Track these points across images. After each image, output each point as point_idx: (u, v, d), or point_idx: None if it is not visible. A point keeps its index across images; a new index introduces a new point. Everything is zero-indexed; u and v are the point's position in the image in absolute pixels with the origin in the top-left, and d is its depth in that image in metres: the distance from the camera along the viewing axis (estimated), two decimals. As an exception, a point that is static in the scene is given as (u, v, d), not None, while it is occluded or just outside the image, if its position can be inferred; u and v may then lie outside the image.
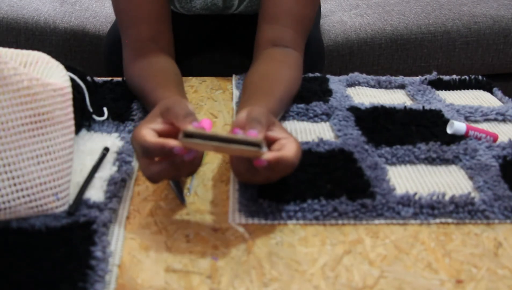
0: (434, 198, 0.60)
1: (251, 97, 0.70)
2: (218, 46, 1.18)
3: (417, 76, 0.96)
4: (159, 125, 0.57)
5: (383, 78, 0.92)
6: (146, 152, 0.54)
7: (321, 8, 1.47)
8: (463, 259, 0.53)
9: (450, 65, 1.53)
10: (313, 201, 0.59)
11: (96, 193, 0.59)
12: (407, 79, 0.93)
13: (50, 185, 0.55)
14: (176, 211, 0.59)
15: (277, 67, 0.78)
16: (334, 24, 1.49)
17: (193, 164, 0.55)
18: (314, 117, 0.79)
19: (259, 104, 0.66)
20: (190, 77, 0.93)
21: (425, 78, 0.93)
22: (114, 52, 1.00)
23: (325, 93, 0.85)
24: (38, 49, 0.65)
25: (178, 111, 0.56)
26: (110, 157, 0.66)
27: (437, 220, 0.58)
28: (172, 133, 0.57)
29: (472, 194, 0.62)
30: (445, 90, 0.91)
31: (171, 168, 0.54)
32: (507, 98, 0.87)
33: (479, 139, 0.73)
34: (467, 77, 0.94)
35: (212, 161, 0.68)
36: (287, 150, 0.55)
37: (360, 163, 0.66)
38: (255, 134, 0.54)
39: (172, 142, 0.53)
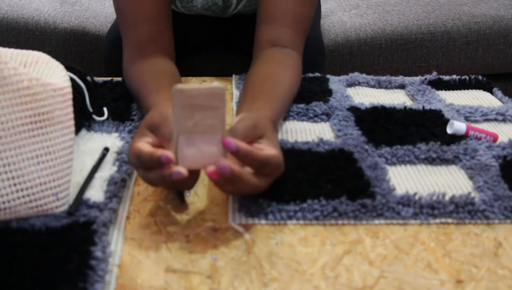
0: (434, 198, 0.60)
1: (255, 100, 0.70)
2: (218, 46, 1.18)
3: (417, 76, 0.96)
4: (152, 139, 0.58)
5: (383, 78, 0.92)
6: (139, 162, 0.55)
7: (321, 8, 1.47)
8: (463, 259, 0.53)
9: (450, 65, 1.53)
10: (313, 201, 0.59)
11: (96, 193, 0.59)
12: (407, 79, 0.93)
13: (50, 185, 0.55)
14: (176, 211, 0.59)
15: (277, 68, 0.78)
16: (334, 24, 1.49)
17: (188, 180, 0.56)
18: (314, 117, 0.79)
19: (263, 110, 0.66)
20: (190, 77, 0.93)
21: (425, 78, 0.93)
22: (114, 52, 1.00)
23: (325, 93, 0.85)
24: (38, 49, 0.65)
25: (164, 133, 0.57)
26: (110, 157, 0.66)
27: (437, 220, 0.58)
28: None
29: (472, 194, 0.62)
30: (445, 90, 0.91)
31: (162, 179, 0.54)
32: (507, 98, 0.87)
33: (479, 139, 0.73)
34: (467, 77, 0.94)
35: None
36: (264, 150, 0.55)
37: (360, 163, 0.66)
38: (229, 143, 0.53)
39: (159, 151, 0.54)
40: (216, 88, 0.52)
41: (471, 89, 0.92)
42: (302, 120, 0.79)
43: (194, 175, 0.56)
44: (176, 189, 0.61)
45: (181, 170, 0.53)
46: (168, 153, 0.53)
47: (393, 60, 1.49)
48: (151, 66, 0.80)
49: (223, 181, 0.54)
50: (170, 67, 0.81)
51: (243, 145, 0.53)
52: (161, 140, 0.58)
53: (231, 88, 0.90)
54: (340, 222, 0.58)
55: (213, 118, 0.53)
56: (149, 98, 0.71)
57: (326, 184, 0.62)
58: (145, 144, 0.56)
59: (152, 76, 0.77)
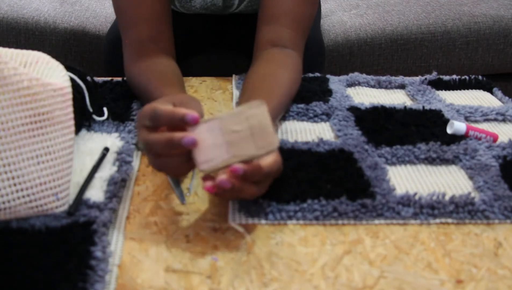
0: (434, 198, 0.60)
1: (253, 98, 0.70)
2: (218, 46, 1.18)
3: (417, 76, 0.96)
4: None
5: (383, 78, 0.92)
6: (154, 119, 0.53)
7: (321, 8, 1.47)
8: (463, 259, 0.53)
9: (450, 65, 1.53)
10: (313, 201, 0.59)
11: (96, 193, 0.59)
12: (407, 79, 0.93)
13: (50, 185, 0.55)
14: (176, 211, 0.59)
15: (277, 69, 0.78)
16: (334, 24, 1.49)
17: (183, 166, 0.55)
18: (314, 117, 0.79)
19: None
20: (190, 77, 0.93)
21: (425, 78, 0.93)
22: (114, 52, 1.00)
23: (325, 93, 0.85)
24: (38, 49, 0.65)
25: (190, 107, 0.56)
26: (110, 157, 0.66)
27: (437, 220, 0.58)
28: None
29: (472, 194, 0.62)
30: (445, 90, 0.91)
31: (167, 143, 0.52)
32: (507, 98, 0.87)
33: (479, 139, 0.73)
34: (467, 77, 0.94)
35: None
36: (262, 160, 0.55)
37: (360, 163, 0.66)
38: (237, 170, 0.53)
39: (183, 110, 0.52)
40: (275, 143, 0.52)
41: (471, 89, 0.92)
42: (302, 120, 0.79)
43: (191, 162, 0.55)
44: (176, 185, 0.61)
45: (195, 136, 0.51)
46: (195, 113, 0.51)
47: (393, 60, 1.49)
48: (155, 64, 0.80)
49: (222, 191, 0.53)
50: (173, 66, 0.81)
51: (248, 167, 0.53)
52: None
53: (231, 88, 0.90)
54: (340, 222, 0.58)
55: (246, 149, 0.52)
56: (161, 91, 0.71)
57: (326, 184, 0.62)
58: (164, 103, 0.55)
59: (159, 73, 0.77)
